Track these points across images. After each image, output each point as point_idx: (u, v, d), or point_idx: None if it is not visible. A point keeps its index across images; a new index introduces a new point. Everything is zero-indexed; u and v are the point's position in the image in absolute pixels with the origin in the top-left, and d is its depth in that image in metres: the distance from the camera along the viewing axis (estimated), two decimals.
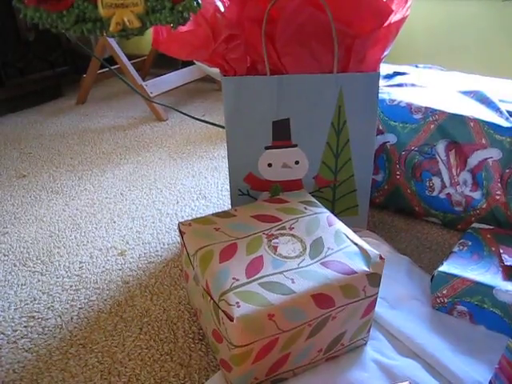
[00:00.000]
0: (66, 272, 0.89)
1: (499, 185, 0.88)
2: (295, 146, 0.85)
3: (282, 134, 0.84)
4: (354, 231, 0.70)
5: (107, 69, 1.81)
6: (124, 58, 1.78)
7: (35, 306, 0.80)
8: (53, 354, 0.70)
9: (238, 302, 0.54)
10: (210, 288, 0.59)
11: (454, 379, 0.61)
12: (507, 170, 0.86)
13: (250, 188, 0.89)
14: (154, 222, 1.05)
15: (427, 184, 0.95)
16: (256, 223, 0.70)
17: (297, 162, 0.87)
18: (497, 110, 0.89)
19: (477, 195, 0.91)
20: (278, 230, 0.68)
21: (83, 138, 1.60)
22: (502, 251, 0.75)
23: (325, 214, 0.72)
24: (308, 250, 0.64)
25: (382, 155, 1.00)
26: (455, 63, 1.71)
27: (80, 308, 0.80)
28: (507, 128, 0.84)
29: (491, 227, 0.84)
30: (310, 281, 0.58)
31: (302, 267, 0.60)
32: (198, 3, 0.57)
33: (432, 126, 0.92)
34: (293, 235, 0.67)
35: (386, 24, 0.78)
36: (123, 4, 0.52)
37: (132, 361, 0.68)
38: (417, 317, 0.73)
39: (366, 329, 0.66)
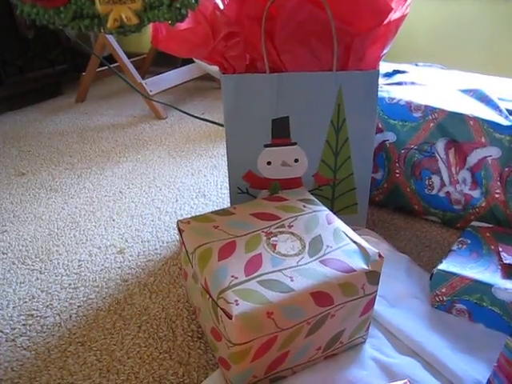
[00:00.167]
0: (65, 270, 0.89)
1: (498, 183, 0.87)
2: (294, 144, 0.85)
3: (281, 132, 0.84)
4: (353, 229, 0.70)
5: (106, 67, 1.81)
6: (123, 56, 1.78)
7: (34, 304, 0.80)
8: (51, 352, 0.70)
9: (236, 300, 0.54)
10: (209, 286, 0.59)
11: (452, 377, 0.61)
12: (506, 169, 0.86)
13: (249, 186, 0.89)
14: (153, 220, 1.05)
15: (426, 182, 0.95)
16: (255, 221, 0.70)
17: (296, 160, 0.87)
18: (496, 108, 0.89)
19: (476, 194, 0.91)
20: (277, 227, 0.68)
21: (82, 136, 1.59)
22: (501, 249, 0.75)
23: (324, 212, 0.72)
24: (307, 248, 0.63)
25: (381, 153, 1.00)
26: (455, 62, 1.70)
27: (79, 306, 0.79)
28: (507, 126, 0.84)
29: (490, 226, 0.84)
30: (309, 279, 0.58)
31: (300, 265, 0.60)
32: (195, 0, 0.57)
33: (431, 125, 0.91)
34: (292, 233, 0.67)
35: (385, 22, 0.78)
36: (121, 0, 0.52)
37: (131, 359, 0.68)
38: (416, 315, 0.73)
39: (364, 327, 0.66)
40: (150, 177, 1.27)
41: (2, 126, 1.71)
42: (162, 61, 2.22)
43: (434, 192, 0.95)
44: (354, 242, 0.65)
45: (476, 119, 0.87)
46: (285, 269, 0.59)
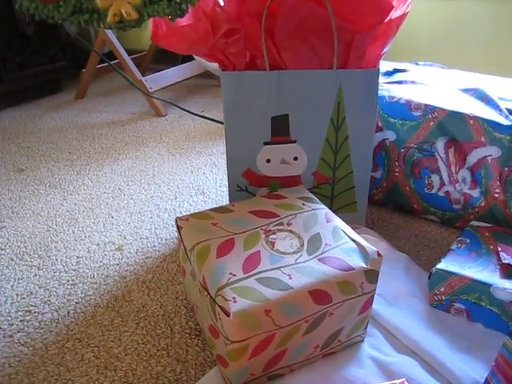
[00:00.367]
0: (63, 266, 0.89)
1: (498, 183, 0.87)
2: (294, 141, 0.85)
3: (280, 130, 0.84)
4: (352, 228, 0.70)
5: (106, 63, 1.81)
6: (123, 53, 1.77)
7: (32, 300, 0.80)
8: (49, 348, 0.70)
9: (234, 298, 0.54)
10: (207, 283, 0.59)
11: (450, 376, 0.61)
12: (506, 168, 0.86)
13: (248, 184, 0.89)
14: (151, 217, 1.05)
15: (426, 181, 0.95)
16: (254, 219, 0.70)
17: (295, 158, 0.86)
18: (496, 107, 0.89)
19: (475, 193, 0.91)
20: (276, 225, 0.68)
21: (82, 133, 1.59)
22: (499, 249, 0.75)
23: (323, 210, 0.72)
24: (305, 245, 0.63)
25: (381, 152, 0.99)
26: (455, 61, 1.70)
27: (77, 303, 0.79)
28: (506, 126, 0.84)
29: (489, 225, 0.84)
30: (308, 277, 0.58)
31: (299, 263, 0.60)
32: None
33: (431, 124, 0.91)
34: (290, 231, 0.66)
35: (386, 20, 0.77)
36: None
37: (128, 356, 0.68)
38: (414, 314, 0.72)
39: (363, 325, 0.66)
40: (149, 174, 1.27)
41: (2, 122, 1.70)
42: (162, 58, 2.22)
43: (433, 191, 0.95)
44: (353, 241, 0.64)
45: (476, 118, 0.87)
46: (283, 266, 0.59)
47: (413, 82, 1.04)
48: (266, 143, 0.85)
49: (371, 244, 0.81)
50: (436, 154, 0.92)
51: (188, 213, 1.07)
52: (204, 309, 0.62)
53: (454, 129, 0.89)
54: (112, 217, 1.06)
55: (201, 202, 1.12)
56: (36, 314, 0.77)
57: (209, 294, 0.58)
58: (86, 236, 0.98)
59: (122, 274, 0.86)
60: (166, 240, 0.97)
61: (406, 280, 0.79)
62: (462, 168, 0.90)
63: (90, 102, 1.96)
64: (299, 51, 0.79)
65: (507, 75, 1.13)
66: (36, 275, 0.86)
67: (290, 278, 0.57)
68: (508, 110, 0.88)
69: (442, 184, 0.93)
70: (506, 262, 0.72)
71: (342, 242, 0.64)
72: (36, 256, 0.92)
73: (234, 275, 0.58)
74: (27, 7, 0.50)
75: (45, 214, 1.08)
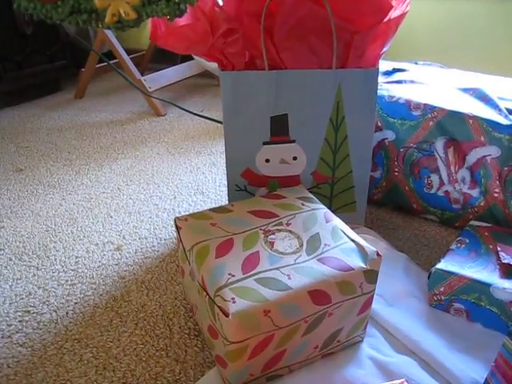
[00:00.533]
0: (62, 267, 0.88)
1: (497, 182, 0.87)
2: (293, 141, 0.85)
3: (280, 130, 0.84)
4: (352, 228, 0.70)
5: (106, 63, 1.80)
6: (123, 53, 1.77)
7: (30, 300, 0.80)
8: (47, 348, 0.70)
9: (233, 298, 0.54)
10: (206, 283, 0.58)
11: (450, 377, 0.61)
12: (506, 168, 0.86)
13: (247, 183, 0.89)
14: (150, 217, 1.05)
15: (425, 181, 0.95)
16: (253, 219, 0.70)
17: (295, 158, 0.86)
18: (496, 107, 0.89)
19: (475, 193, 0.90)
20: (275, 225, 0.68)
21: (81, 133, 1.59)
22: (499, 249, 0.75)
23: (322, 210, 0.72)
24: (305, 246, 0.63)
25: (380, 152, 0.99)
26: (455, 60, 1.70)
27: (75, 303, 0.79)
28: (506, 126, 0.84)
29: (489, 225, 0.83)
30: (307, 277, 0.57)
31: (298, 263, 0.60)
32: None
33: (431, 123, 0.91)
34: (290, 231, 0.66)
35: (385, 20, 0.77)
36: None
37: (127, 356, 0.68)
38: (413, 314, 0.72)
39: (362, 326, 0.66)
40: (148, 173, 1.27)
41: (1, 122, 1.70)
42: (161, 57, 2.21)
43: (432, 191, 0.95)
44: (352, 241, 0.64)
45: (475, 118, 0.87)
46: (282, 267, 0.59)
47: (412, 82, 1.04)
48: (265, 143, 0.85)
49: (370, 244, 0.80)
50: (435, 153, 0.92)
51: (187, 212, 1.07)
52: (203, 309, 0.62)
53: (454, 128, 0.89)
54: (111, 217, 1.05)
55: (200, 202, 1.11)
56: (35, 315, 0.77)
57: (208, 294, 0.58)
58: (84, 236, 0.98)
59: (120, 274, 0.86)
60: (165, 240, 0.96)
61: (405, 280, 0.79)
62: (461, 168, 0.90)
63: (89, 101, 1.96)
64: (298, 51, 0.79)
65: (507, 75, 1.13)
66: (35, 275, 0.86)
67: (289, 279, 0.57)
68: (507, 109, 0.88)
69: (442, 184, 0.93)
70: (506, 261, 0.72)
71: (341, 242, 0.64)
72: (35, 256, 0.92)
73: (233, 275, 0.58)
74: (25, 7, 0.50)
75: (44, 213, 1.07)
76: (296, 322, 0.57)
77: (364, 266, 0.60)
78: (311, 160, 0.87)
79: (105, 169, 1.30)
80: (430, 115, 0.91)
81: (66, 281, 0.85)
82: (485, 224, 0.84)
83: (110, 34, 1.77)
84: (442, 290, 0.72)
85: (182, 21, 0.78)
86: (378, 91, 0.96)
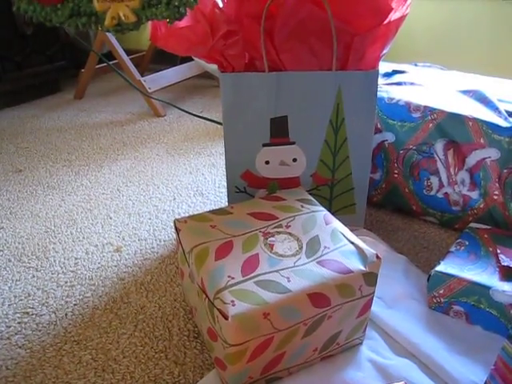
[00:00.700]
0: (61, 268, 0.88)
1: (497, 185, 0.87)
2: (293, 143, 0.85)
3: (279, 131, 0.84)
4: (351, 230, 0.70)
5: (105, 64, 1.80)
6: (123, 53, 1.77)
7: (29, 301, 0.80)
8: (46, 350, 0.70)
9: (233, 301, 0.54)
10: (205, 286, 0.58)
11: (449, 379, 0.61)
12: (505, 170, 0.86)
13: (247, 185, 0.89)
14: (150, 219, 1.05)
15: (425, 183, 0.95)
16: (252, 221, 0.70)
17: (294, 160, 0.86)
18: (495, 109, 0.89)
19: (474, 195, 0.90)
20: (275, 227, 0.68)
21: (80, 133, 1.59)
22: (499, 251, 0.75)
23: (322, 212, 0.72)
24: (304, 248, 0.63)
25: (380, 154, 0.99)
26: (455, 62, 1.70)
27: (75, 304, 0.79)
28: (506, 128, 0.84)
29: (488, 227, 0.83)
30: (306, 280, 0.57)
31: (298, 266, 0.60)
32: None
33: (430, 125, 0.91)
34: (289, 233, 0.66)
35: (385, 22, 0.77)
36: None
37: (126, 358, 0.68)
38: (413, 316, 0.72)
39: (361, 328, 0.66)
40: (147, 175, 1.27)
41: (0, 122, 1.70)
42: (161, 58, 2.21)
43: (432, 193, 0.95)
44: (352, 243, 0.64)
45: (475, 120, 0.87)
46: (282, 269, 0.59)
47: (412, 84, 1.04)
48: (264, 145, 0.85)
49: (370, 246, 0.80)
50: (435, 155, 0.92)
51: (186, 214, 1.07)
52: (202, 311, 0.62)
53: (453, 130, 0.89)
54: (110, 218, 1.05)
55: (199, 203, 1.11)
56: (34, 316, 0.77)
57: (207, 296, 0.58)
58: (84, 237, 0.98)
59: (120, 276, 0.86)
60: (164, 241, 0.96)
61: (404, 282, 0.79)
62: (461, 170, 0.90)
63: (88, 102, 1.96)
64: (298, 53, 0.79)
65: (507, 77, 1.13)
66: (34, 277, 0.86)
67: (289, 281, 0.57)
68: (507, 111, 0.88)
69: (441, 186, 0.93)
70: (506, 264, 0.72)
71: (340, 245, 0.64)
72: (34, 257, 0.92)
73: (233, 278, 0.58)
74: (25, 10, 0.50)
75: (43, 214, 1.07)
76: (295, 324, 0.57)
77: (363, 268, 0.60)
78: (311, 162, 0.87)
79: (104, 170, 1.30)
80: (429, 117, 0.91)
81: (65, 282, 0.85)
82: (484, 226, 0.84)
83: (109, 34, 1.77)
84: (441, 292, 0.72)
85: (182, 22, 0.78)
86: (378, 93, 0.96)
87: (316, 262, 0.60)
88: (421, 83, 1.04)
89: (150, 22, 0.77)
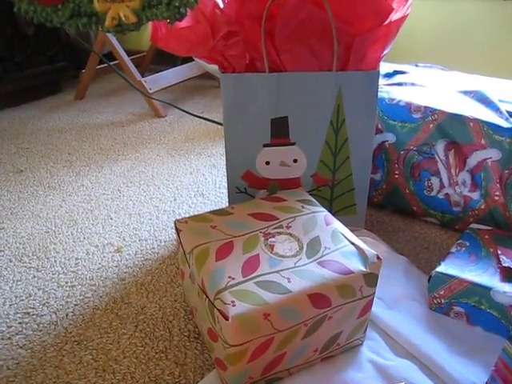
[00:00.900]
0: (62, 268, 0.88)
1: (498, 185, 0.87)
2: (293, 144, 0.85)
3: (280, 132, 0.84)
4: (352, 230, 0.70)
5: (106, 64, 1.80)
6: (123, 54, 1.77)
7: (30, 302, 0.80)
8: (47, 350, 0.70)
9: (233, 301, 0.54)
10: (206, 286, 0.58)
11: (449, 380, 0.61)
12: (506, 171, 0.86)
13: (247, 186, 0.89)
14: (151, 219, 1.05)
15: (426, 184, 0.95)
16: (253, 221, 0.70)
17: (295, 161, 0.86)
18: (496, 110, 0.89)
19: (475, 196, 0.90)
20: (275, 228, 0.68)
21: (81, 134, 1.59)
22: (499, 252, 0.75)
23: (322, 213, 0.72)
24: (305, 249, 0.63)
25: (380, 154, 0.99)
26: (455, 63, 1.70)
27: (75, 305, 0.79)
28: (507, 128, 0.84)
29: (489, 228, 0.83)
30: (307, 280, 0.57)
31: (298, 266, 0.60)
32: None
33: (431, 126, 0.91)
34: (290, 234, 0.66)
35: (386, 22, 0.77)
36: None
37: (127, 358, 0.68)
38: (413, 317, 0.72)
39: (362, 329, 0.66)
40: (148, 175, 1.27)
41: (1, 123, 1.70)
42: (161, 59, 2.21)
43: (433, 193, 0.95)
44: (353, 244, 0.64)
45: (476, 121, 0.87)
46: (282, 270, 0.59)
47: (413, 84, 1.04)
48: (265, 145, 0.85)
49: (370, 247, 0.80)
50: (436, 156, 0.92)
51: (187, 214, 1.07)
52: (203, 312, 0.62)
53: (454, 131, 0.89)
54: (111, 218, 1.05)
55: (200, 204, 1.11)
56: (34, 316, 0.77)
57: (207, 297, 0.58)
58: (84, 238, 0.98)
59: (120, 276, 0.86)
60: (164, 242, 0.96)
61: (405, 283, 0.79)
62: (461, 170, 0.90)
63: (89, 102, 1.96)
64: (299, 53, 0.79)
65: (507, 77, 1.13)
66: (35, 277, 0.86)
67: (289, 282, 0.57)
68: (508, 112, 0.88)
69: (442, 186, 0.93)
70: (506, 265, 0.71)
71: (341, 246, 0.64)
72: (35, 258, 0.92)
73: (233, 278, 0.58)
74: (26, 10, 0.50)
75: (44, 215, 1.07)
76: (296, 325, 0.57)
77: (364, 269, 0.60)
78: (311, 162, 0.87)
79: (105, 170, 1.30)
80: (430, 118, 0.91)
81: (66, 282, 0.85)
82: (485, 227, 0.84)
83: (110, 35, 1.77)
84: (442, 293, 0.72)
85: (182, 23, 0.78)
86: (379, 93, 0.96)
87: (316, 263, 0.60)
88: (422, 84, 1.04)
89: (150, 23, 0.77)
